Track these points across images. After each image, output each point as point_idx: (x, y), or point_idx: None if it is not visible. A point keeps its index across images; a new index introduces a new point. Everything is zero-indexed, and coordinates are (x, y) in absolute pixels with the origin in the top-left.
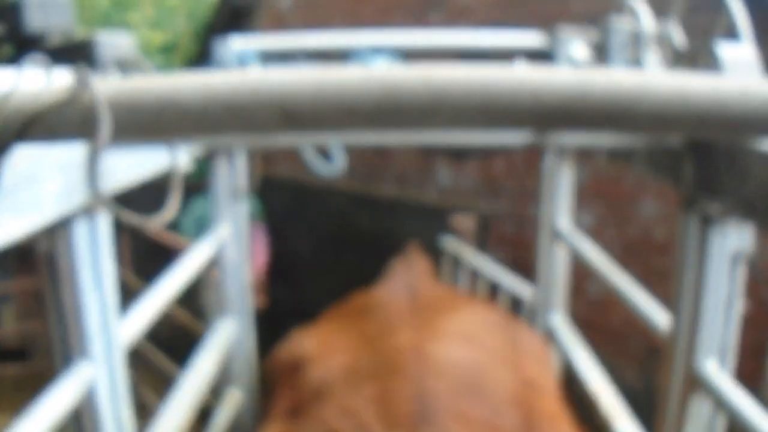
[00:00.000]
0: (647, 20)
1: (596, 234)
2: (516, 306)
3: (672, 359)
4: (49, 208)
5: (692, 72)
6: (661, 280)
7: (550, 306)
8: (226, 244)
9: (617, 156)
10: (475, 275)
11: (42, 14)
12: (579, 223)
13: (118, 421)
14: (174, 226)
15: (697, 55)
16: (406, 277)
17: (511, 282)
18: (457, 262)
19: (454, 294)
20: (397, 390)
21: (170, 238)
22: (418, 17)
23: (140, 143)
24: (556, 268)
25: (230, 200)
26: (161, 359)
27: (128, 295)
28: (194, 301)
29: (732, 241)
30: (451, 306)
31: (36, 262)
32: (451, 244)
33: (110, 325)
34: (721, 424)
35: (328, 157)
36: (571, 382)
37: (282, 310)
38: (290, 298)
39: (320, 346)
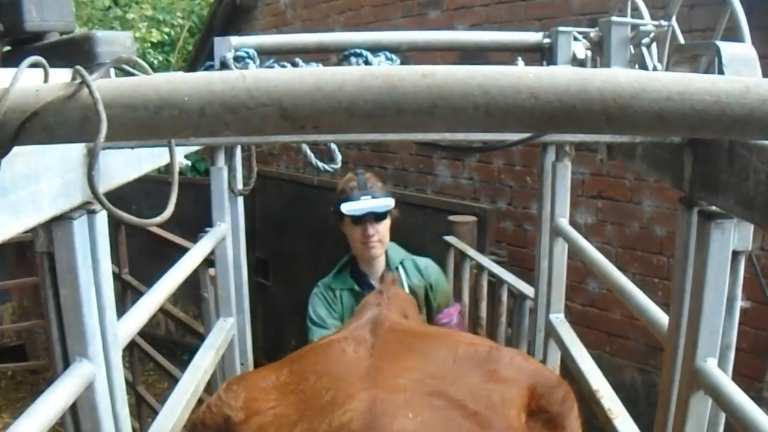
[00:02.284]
0: (647, 20)
1: (596, 232)
2: (518, 303)
3: (672, 358)
4: (48, 207)
5: (692, 72)
6: (661, 279)
7: (549, 304)
8: (225, 244)
9: (617, 155)
10: (477, 273)
11: (40, 12)
12: (579, 221)
13: (115, 419)
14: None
15: (697, 55)
16: (374, 316)
17: (512, 280)
18: (458, 261)
19: (424, 331)
20: None
21: (169, 238)
22: (418, 17)
23: (138, 143)
24: (556, 266)
25: (229, 199)
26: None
27: (127, 294)
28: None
29: (732, 239)
30: (416, 349)
31: (34, 259)
32: (452, 243)
33: (107, 324)
34: (721, 423)
35: (326, 153)
36: (570, 380)
37: (282, 309)
38: (289, 296)
39: (250, 409)
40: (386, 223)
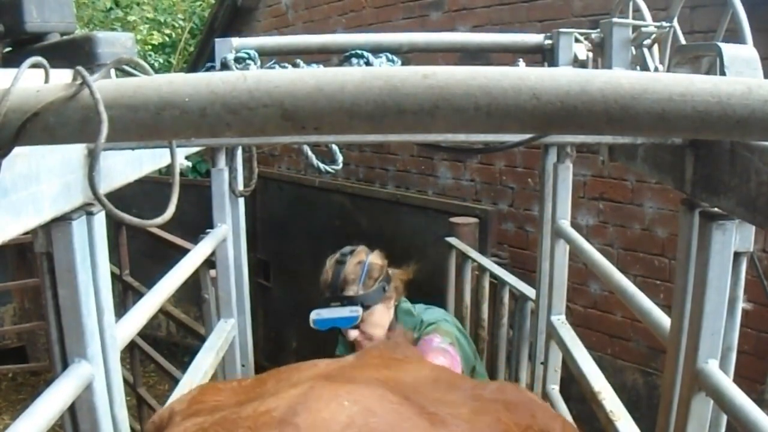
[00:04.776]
0: (648, 20)
1: (597, 234)
2: (520, 305)
3: (674, 359)
4: (48, 208)
5: (694, 73)
6: (662, 280)
7: (551, 305)
8: (226, 245)
9: (618, 156)
10: (478, 275)
11: (41, 13)
12: (580, 222)
13: (114, 420)
14: None
15: (698, 56)
16: (367, 348)
17: (514, 281)
18: (460, 263)
19: (416, 363)
20: None
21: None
22: (419, 18)
23: (139, 144)
24: (558, 268)
25: (230, 200)
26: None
27: (128, 295)
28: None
29: (734, 240)
30: (395, 366)
31: (35, 261)
32: (453, 244)
33: (106, 325)
34: (723, 425)
35: (327, 154)
36: (571, 382)
37: (282, 310)
38: (290, 298)
39: (195, 401)
40: (375, 316)
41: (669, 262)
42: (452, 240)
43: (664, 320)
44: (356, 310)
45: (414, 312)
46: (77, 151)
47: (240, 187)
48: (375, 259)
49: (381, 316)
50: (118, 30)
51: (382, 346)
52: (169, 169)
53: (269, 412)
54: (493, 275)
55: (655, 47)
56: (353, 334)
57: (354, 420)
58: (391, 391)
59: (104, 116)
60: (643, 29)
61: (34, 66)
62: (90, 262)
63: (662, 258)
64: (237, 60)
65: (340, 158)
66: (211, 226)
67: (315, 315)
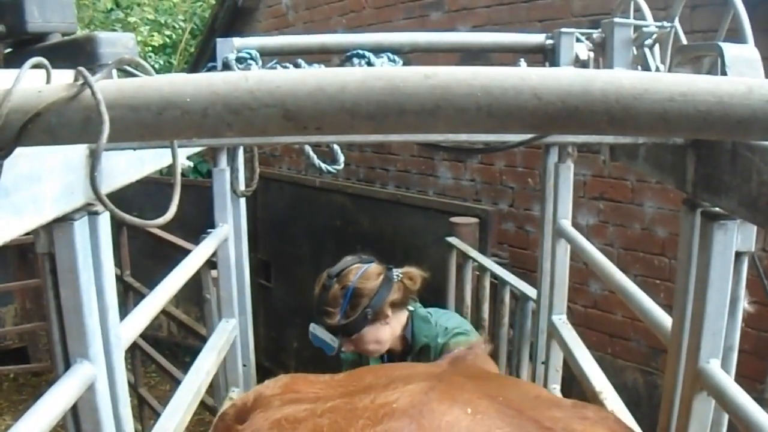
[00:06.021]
0: (649, 20)
1: (598, 234)
2: (520, 305)
3: (675, 359)
4: (49, 208)
5: (695, 73)
6: (662, 280)
7: (551, 305)
8: (227, 245)
9: (620, 156)
10: (479, 275)
11: (43, 13)
12: (581, 222)
13: (117, 420)
14: None
15: (699, 56)
16: (455, 355)
17: (515, 281)
18: (461, 263)
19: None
20: None
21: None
22: (419, 18)
23: (141, 144)
24: (559, 267)
25: (231, 200)
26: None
27: (129, 296)
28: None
29: (735, 240)
30: (494, 378)
31: (36, 262)
32: (454, 244)
33: (110, 325)
34: (724, 424)
35: (328, 154)
36: (573, 382)
37: (283, 311)
38: (291, 298)
39: (288, 388)
40: (368, 336)
41: (669, 262)
42: (453, 240)
43: (665, 320)
44: (334, 341)
45: (431, 319)
46: (79, 151)
47: (241, 187)
48: (364, 281)
49: (375, 334)
50: (118, 31)
51: (470, 356)
52: (171, 169)
53: (389, 404)
54: (493, 275)
55: (657, 47)
56: (348, 347)
57: (475, 429)
58: (505, 404)
59: (106, 117)
60: (645, 29)
61: (36, 66)
62: (93, 262)
63: (662, 257)
64: (238, 60)
65: (341, 158)
66: (212, 227)
67: (312, 329)
